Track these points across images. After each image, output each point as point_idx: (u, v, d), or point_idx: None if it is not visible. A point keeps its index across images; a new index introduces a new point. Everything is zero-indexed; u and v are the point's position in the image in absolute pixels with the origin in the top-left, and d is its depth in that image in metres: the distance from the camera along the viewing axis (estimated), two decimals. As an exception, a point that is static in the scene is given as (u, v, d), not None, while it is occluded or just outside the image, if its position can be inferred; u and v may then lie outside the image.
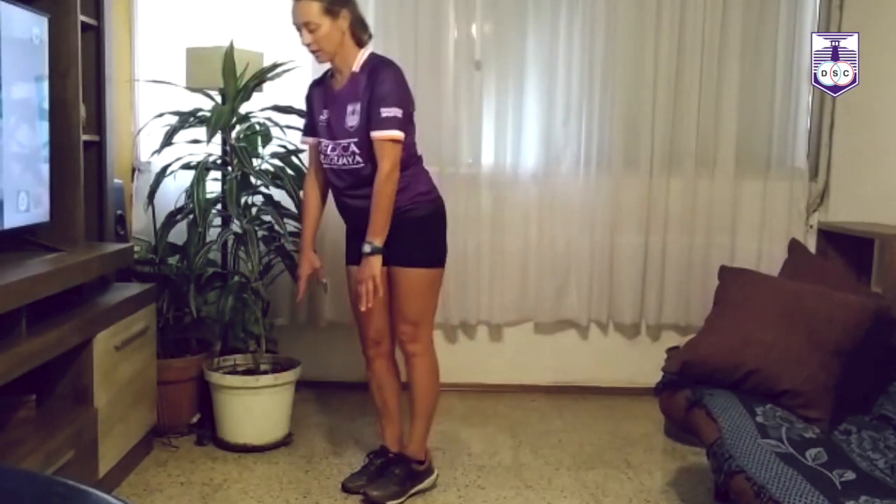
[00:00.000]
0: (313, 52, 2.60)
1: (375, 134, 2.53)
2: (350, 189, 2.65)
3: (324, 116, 2.68)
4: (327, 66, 2.69)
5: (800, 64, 3.71)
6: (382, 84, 2.54)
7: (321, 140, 2.69)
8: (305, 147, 2.87)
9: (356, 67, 2.61)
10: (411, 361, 2.76)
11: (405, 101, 2.59)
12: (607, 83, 3.71)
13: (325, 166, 2.72)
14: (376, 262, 2.55)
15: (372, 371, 2.83)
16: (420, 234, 2.68)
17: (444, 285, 3.72)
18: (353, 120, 2.59)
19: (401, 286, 2.69)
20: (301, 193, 3.01)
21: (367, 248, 2.55)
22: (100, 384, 2.59)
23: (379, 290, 2.56)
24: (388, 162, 2.52)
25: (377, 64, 2.60)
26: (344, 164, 2.63)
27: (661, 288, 3.82)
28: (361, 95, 2.57)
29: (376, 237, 2.55)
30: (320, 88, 2.74)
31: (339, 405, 3.66)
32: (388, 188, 2.53)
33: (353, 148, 2.59)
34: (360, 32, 2.62)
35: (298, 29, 2.58)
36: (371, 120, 2.54)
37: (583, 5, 3.68)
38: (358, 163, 2.60)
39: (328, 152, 2.66)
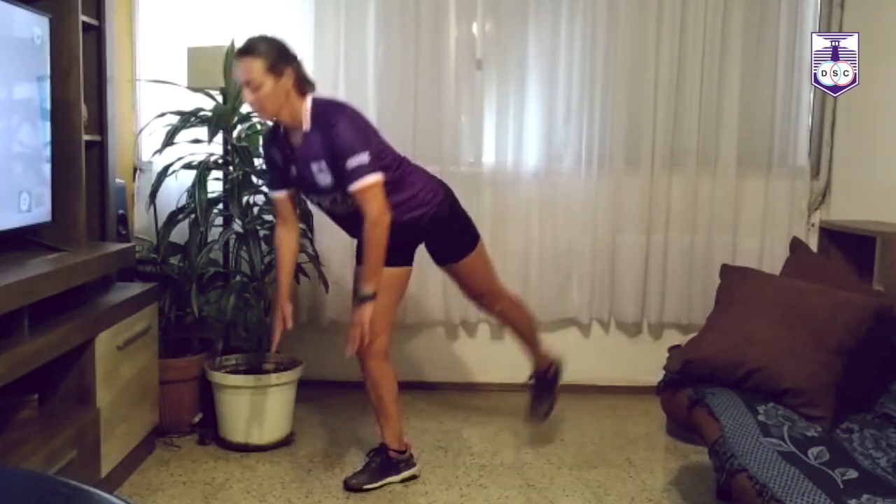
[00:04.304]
0: (256, 110, 2.61)
1: (352, 188, 2.54)
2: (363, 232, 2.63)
3: (293, 173, 2.68)
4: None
5: (801, 62, 3.70)
6: (336, 136, 2.52)
7: (310, 195, 2.75)
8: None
9: (306, 126, 2.59)
10: (505, 313, 3.11)
11: (365, 138, 2.57)
12: (608, 81, 3.71)
13: (326, 214, 2.79)
14: (371, 308, 2.62)
15: (366, 371, 2.84)
16: (451, 229, 2.84)
17: (444, 284, 3.76)
18: (324, 179, 2.61)
19: (461, 274, 2.93)
20: (274, 242, 2.90)
21: (362, 294, 2.61)
22: (102, 384, 2.59)
23: (366, 338, 2.64)
24: (373, 207, 2.54)
25: (323, 113, 2.57)
26: (345, 210, 2.67)
27: (662, 286, 3.82)
28: (321, 151, 2.57)
29: (370, 284, 2.60)
30: (276, 146, 2.71)
31: (342, 404, 3.66)
32: (378, 232, 2.56)
33: (342, 197, 2.63)
34: (303, 86, 2.60)
35: (241, 86, 2.56)
36: (342, 176, 2.55)
37: (584, 4, 3.67)
38: (356, 204, 2.61)
39: (322, 205, 2.73)
